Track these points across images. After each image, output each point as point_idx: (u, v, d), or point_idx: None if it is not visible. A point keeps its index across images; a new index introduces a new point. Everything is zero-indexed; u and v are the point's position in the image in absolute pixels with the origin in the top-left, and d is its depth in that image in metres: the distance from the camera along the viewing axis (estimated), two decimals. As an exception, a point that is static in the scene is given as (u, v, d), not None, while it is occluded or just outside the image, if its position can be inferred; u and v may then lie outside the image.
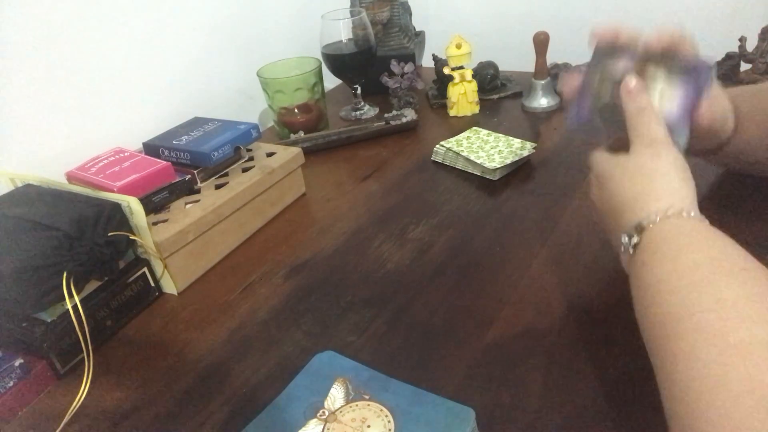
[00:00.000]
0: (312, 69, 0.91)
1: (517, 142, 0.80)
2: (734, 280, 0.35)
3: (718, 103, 0.52)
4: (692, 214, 0.41)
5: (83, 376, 0.52)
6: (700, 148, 0.56)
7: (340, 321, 0.56)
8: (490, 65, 1.01)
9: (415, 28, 1.16)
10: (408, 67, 0.99)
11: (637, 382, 0.44)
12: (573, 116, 0.54)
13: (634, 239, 0.42)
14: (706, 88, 0.49)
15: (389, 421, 0.42)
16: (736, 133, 0.55)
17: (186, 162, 0.72)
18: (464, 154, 0.79)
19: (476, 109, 0.96)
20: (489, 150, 0.79)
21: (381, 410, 0.43)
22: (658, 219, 0.41)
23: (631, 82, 0.48)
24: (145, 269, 0.61)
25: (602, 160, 0.49)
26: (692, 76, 0.48)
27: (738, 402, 0.29)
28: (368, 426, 0.42)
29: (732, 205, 0.63)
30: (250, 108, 1.03)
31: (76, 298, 0.53)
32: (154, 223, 0.63)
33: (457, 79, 0.94)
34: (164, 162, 0.68)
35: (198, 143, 0.72)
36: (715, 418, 0.30)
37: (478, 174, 0.77)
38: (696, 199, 0.43)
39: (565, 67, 0.98)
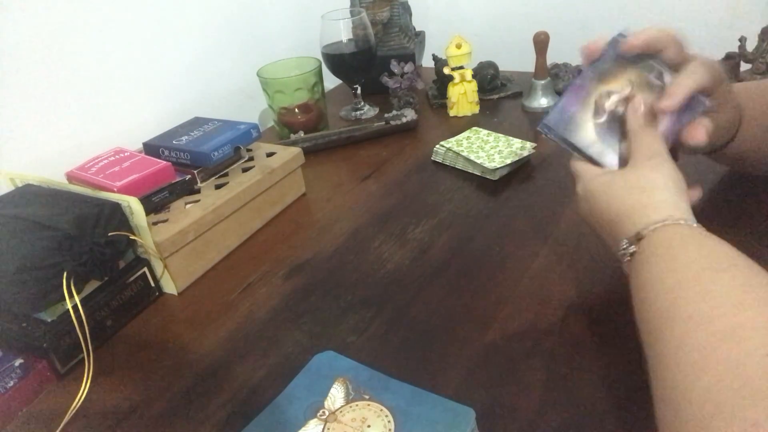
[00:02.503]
0: (312, 69, 0.91)
1: (517, 142, 0.80)
2: (725, 274, 0.37)
3: (719, 115, 0.52)
4: (690, 223, 0.43)
5: (83, 376, 0.52)
6: (698, 151, 0.56)
7: (340, 321, 0.56)
8: (490, 65, 1.01)
9: (415, 28, 1.16)
10: (408, 67, 0.99)
11: (637, 382, 0.44)
12: (554, 118, 0.53)
13: (632, 247, 0.43)
14: (694, 117, 0.50)
15: (389, 421, 0.42)
16: (739, 134, 0.55)
17: (186, 162, 0.72)
18: (464, 154, 0.79)
19: (476, 109, 0.96)
20: (489, 150, 0.79)
21: (381, 410, 0.43)
22: (656, 228, 0.43)
23: (640, 103, 0.50)
24: (145, 269, 0.61)
25: (594, 174, 0.51)
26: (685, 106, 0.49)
27: (720, 383, 0.31)
28: (368, 426, 0.42)
29: (731, 204, 0.63)
30: (250, 108, 1.03)
31: (76, 298, 0.53)
32: (154, 223, 0.63)
33: (457, 79, 0.94)
34: (164, 162, 0.68)
35: (198, 143, 0.72)
36: (699, 399, 0.31)
37: (478, 174, 0.77)
38: (691, 209, 0.45)
39: (565, 67, 0.98)
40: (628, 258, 0.44)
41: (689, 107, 0.49)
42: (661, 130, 0.49)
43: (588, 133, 0.53)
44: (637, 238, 0.43)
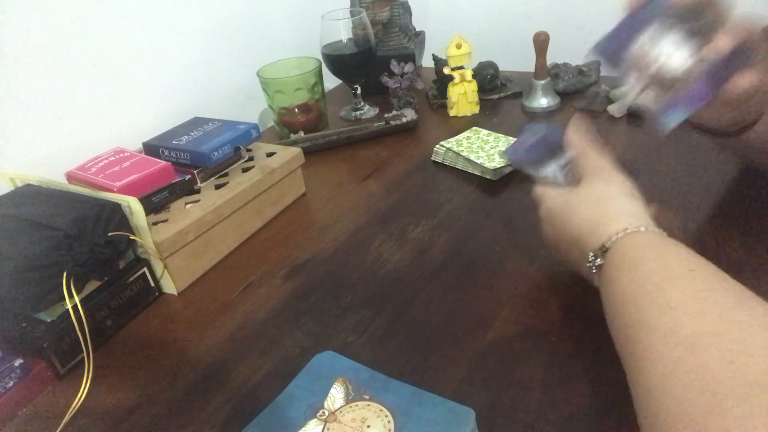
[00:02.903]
0: (312, 69, 0.91)
1: (517, 142, 0.80)
2: (682, 281, 0.38)
3: (757, 80, 0.49)
4: (649, 228, 0.44)
5: (83, 376, 0.52)
6: (723, 125, 0.55)
7: (340, 321, 0.56)
8: (490, 65, 1.01)
9: (415, 28, 1.16)
10: (408, 67, 0.99)
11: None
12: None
13: (598, 261, 0.45)
14: (743, 65, 0.48)
15: (389, 421, 0.42)
16: (762, 119, 0.54)
17: (186, 162, 0.72)
18: (464, 154, 0.79)
19: (476, 109, 0.96)
20: (489, 150, 0.79)
21: (381, 410, 0.43)
22: (618, 238, 0.44)
23: (571, 134, 0.54)
24: (145, 269, 0.61)
25: (553, 195, 0.53)
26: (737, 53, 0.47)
27: (689, 393, 0.31)
28: (368, 426, 0.42)
29: (731, 205, 0.63)
30: (250, 108, 1.03)
31: (76, 298, 0.53)
32: (154, 223, 0.63)
33: (457, 79, 0.94)
34: (164, 162, 0.68)
35: (198, 143, 0.72)
36: (673, 409, 0.32)
37: (478, 174, 0.77)
38: (648, 215, 0.46)
39: (565, 67, 0.98)
40: (595, 270, 0.45)
41: (733, 59, 0.47)
42: (706, 74, 0.48)
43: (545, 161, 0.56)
44: (602, 251, 0.44)
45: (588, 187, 0.50)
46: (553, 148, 0.56)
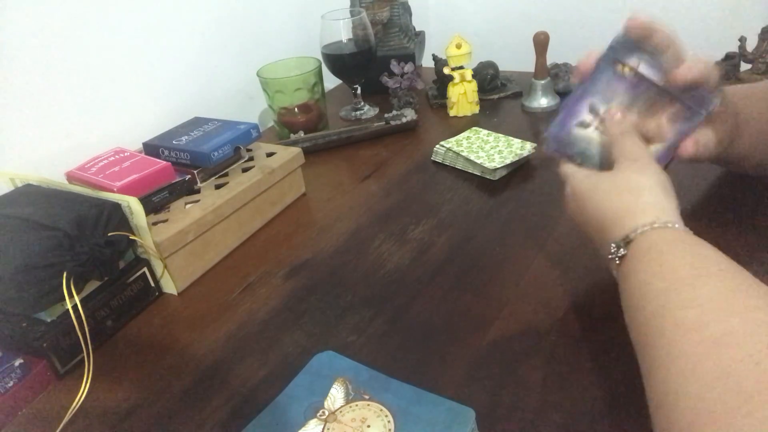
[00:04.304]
0: (312, 69, 0.91)
1: (517, 142, 0.80)
2: (711, 279, 0.37)
3: (712, 131, 0.51)
4: (677, 226, 0.43)
5: (83, 376, 0.52)
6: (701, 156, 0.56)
7: (340, 321, 0.56)
8: (490, 65, 1.01)
9: (415, 28, 1.16)
10: (408, 67, 0.99)
11: (637, 382, 0.44)
12: (556, 131, 0.54)
13: (622, 251, 0.43)
14: (700, 125, 0.50)
15: (389, 421, 0.42)
16: (736, 139, 0.55)
17: (186, 162, 0.72)
18: (464, 154, 0.79)
19: (476, 109, 0.96)
20: (489, 150, 0.79)
21: (381, 410, 0.43)
22: (645, 231, 0.43)
23: (618, 110, 0.51)
24: (145, 269, 0.61)
25: (582, 176, 0.51)
26: (693, 111, 0.49)
27: (712, 391, 0.31)
28: (368, 426, 0.42)
29: (732, 207, 0.63)
30: (250, 108, 1.03)
31: (76, 298, 0.53)
32: (154, 223, 0.63)
33: (457, 79, 0.94)
34: (164, 162, 0.68)
35: (198, 143, 0.72)
36: (691, 407, 0.31)
37: (478, 174, 0.77)
38: (679, 212, 0.45)
39: (565, 67, 0.98)
40: (618, 262, 0.44)
41: (690, 115, 0.49)
42: (662, 143, 0.50)
43: (579, 139, 0.54)
44: (626, 242, 0.43)
45: (620, 174, 0.48)
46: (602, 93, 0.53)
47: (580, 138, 0.53)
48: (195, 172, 0.71)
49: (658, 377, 0.35)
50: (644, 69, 0.50)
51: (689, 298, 0.36)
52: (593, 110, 0.52)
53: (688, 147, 0.50)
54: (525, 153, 0.77)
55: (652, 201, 0.45)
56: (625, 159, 0.49)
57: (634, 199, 0.45)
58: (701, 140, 0.50)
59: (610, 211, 0.46)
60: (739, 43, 0.86)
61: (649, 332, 0.37)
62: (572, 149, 0.53)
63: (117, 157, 0.70)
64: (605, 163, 0.52)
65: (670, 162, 0.52)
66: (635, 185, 0.46)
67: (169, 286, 0.63)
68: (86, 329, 0.53)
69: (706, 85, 0.48)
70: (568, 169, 0.53)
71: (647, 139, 0.51)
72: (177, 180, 0.69)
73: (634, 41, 0.50)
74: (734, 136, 0.54)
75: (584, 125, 0.53)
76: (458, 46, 0.92)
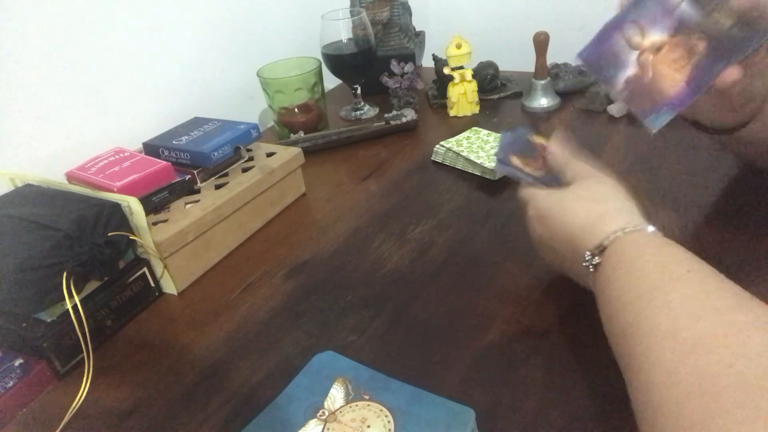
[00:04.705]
0: (312, 69, 0.91)
1: (517, 142, 0.80)
2: (680, 282, 0.38)
3: (746, 78, 0.49)
4: (647, 228, 0.43)
5: (83, 376, 0.52)
6: (715, 122, 0.55)
7: (340, 321, 0.56)
8: (490, 65, 1.01)
9: (415, 28, 1.16)
10: (408, 67, 0.99)
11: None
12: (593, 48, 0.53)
13: (596, 259, 0.44)
14: (734, 62, 0.48)
15: (389, 421, 0.42)
16: (759, 116, 0.53)
17: (186, 162, 0.72)
18: (464, 154, 0.79)
19: (476, 109, 0.96)
20: (489, 150, 0.79)
21: (381, 410, 0.43)
22: (616, 237, 0.43)
23: (561, 140, 0.54)
24: (145, 269, 0.61)
25: (543, 195, 0.51)
26: (737, 44, 0.47)
27: (690, 396, 0.31)
28: (368, 426, 0.42)
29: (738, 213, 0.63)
30: (250, 108, 1.03)
31: (76, 298, 0.53)
32: (154, 223, 0.63)
33: (457, 79, 0.93)
34: (164, 162, 0.68)
35: (198, 143, 0.72)
36: (672, 414, 0.31)
37: (478, 174, 0.77)
38: (644, 215, 0.45)
39: (565, 67, 0.98)
40: (592, 269, 0.44)
41: (729, 47, 0.47)
42: (692, 71, 0.48)
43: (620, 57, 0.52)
44: (600, 250, 0.44)
45: (582, 187, 0.49)
46: (522, 149, 0.56)
47: (620, 58, 0.52)
48: (195, 172, 0.71)
49: (639, 383, 0.35)
50: (687, 5, 0.49)
51: (660, 304, 0.37)
52: (638, 33, 0.51)
53: (723, 79, 0.47)
54: (525, 153, 0.77)
55: (619, 206, 0.46)
56: (579, 176, 0.50)
57: (602, 207, 0.46)
58: (731, 77, 0.48)
59: (580, 222, 0.47)
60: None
61: (626, 341, 0.38)
62: (607, 71, 0.52)
63: (117, 157, 0.70)
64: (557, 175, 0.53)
65: (700, 94, 0.49)
66: (600, 194, 0.47)
67: (169, 286, 0.63)
68: (86, 329, 0.53)
69: (752, 23, 0.46)
70: (528, 192, 0.53)
71: (677, 79, 0.50)
72: (177, 180, 0.68)
73: None
74: (759, 109, 0.53)
75: (629, 45, 0.51)
76: (458, 46, 0.92)
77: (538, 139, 0.57)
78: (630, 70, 0.51)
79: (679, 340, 0.34)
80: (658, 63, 0.50)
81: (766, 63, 0.50)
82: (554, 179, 0.54)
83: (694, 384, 0.31)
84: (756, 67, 0.49)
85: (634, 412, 0.36)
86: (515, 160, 0.57)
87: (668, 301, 0.36)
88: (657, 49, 0.50)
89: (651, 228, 0.44)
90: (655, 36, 0.50)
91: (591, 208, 0.47)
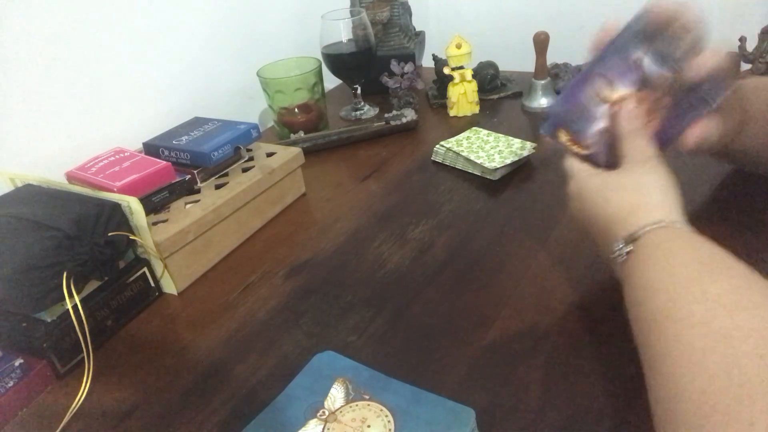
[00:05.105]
0: (312, 69, 0.91)
1: (517, 142, 0.80)
2: (720, 276, 0.37)
3: (718, 123, 0.51)
4: (683, 225, 0.43)
5: (83, 376, 0.52)
6: (697, 153, 0.56)
7: (340, 321, 0.56)
8: (490, 65, 1.01)
9: (415, 28, 1.16)
10: (408, 67, 0.99)
11: (637, 382, 0.44)
12: (560, 105, 0.53)
13: (628, 248, 0.43)
14: (702, 116, 0.50)
15: (389, 421, 0.42)
16: (742, 133, 0.54)
17: (186, 162, 0.72)
18: (464, 154, 0.79)
19: (476, 109, 0.96)
20: (489, 150, 0.79)
21: (381, 410, 0.43)
22: (652, 229, 0.43)
23: (630, 105, 0.50)
24: (145, 269, 0.61)
25: (588, 174, 0.51)
26: (699, 103, 0.49)
27: (716, 383, 0.31)
28: (368, 426, 0.42)
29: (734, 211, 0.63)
30: (250, 108, 1.03)
31: (76, 298, 0.53)
32: (154, 223, 0.63)
33: (457, 79, 0.93)
34: (164, 162, 0.68)
35: (198, 143, 0.72)
36: (695, 400, 0.31)
37: (478, 174, 0.77)
38: (683, 212, 0.45)
39: (565, 67, 0.98)
40: (623, 259, 0.44)
41: (695, 103, 0.49)
42: (659, 126, 0.49)
43: (588, 112, 0.52)
44: (632, 240, 0.43)
45: (627, 173, 0.48)
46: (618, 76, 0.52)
47: (589, 111, 0.52)
48: (195, 172, 0.71)
49: (662, 370, 0.35)
50: (648, 63, 0.49)
51: (697, 292, 0.36)
52: (606, 86, 0.51)
53: (691, 137, 0.50)
54: (525, 153, 0.77)
55: (660, 200, 0.45)
56: (634, 157, 0.48)
57: (641, 198, 0.45)
58: (704, 132, 0.50)
59: (616, 210, 0.46)
60: (739, 43, 0.87)
61: (655, 327, 0.37)
62: (576, 124, 0.52)
63: (117, 157, 0.70)
64: (609, 151, 0.51)
65: (669, 148, 0.51)
66: (642, 184, 0.46)
67: (169, 286, 0.63)
68: (86, 329, 0.53)
69: (718, 78, 0.48)
70: (574, 166, 0.52)
71: (649, 126, 0.51)
72: (177, 180, 0.69)
73: (649, 30, 0.49)
74: (739, 129, 0.54)
75: (597, 98, 0.52)
76: (458, 46, 0.92)
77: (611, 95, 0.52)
78: (600, 123, 0.52)
79: (713, 328, 0.33)
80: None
81: (732, 99, 0.51)
82: (602, 156, 0.52)
83: (721, 372, 0.31)
84: (729, 99, 0.50)
85: (650, 398, 0.35)
86: (562, 136, 0.54)
87: (705, 291, 0.36)
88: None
89: (688, 227, 0.43)
90: (623, 90, 0.51)
91: (630, 199, 0.46)
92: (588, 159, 0.52)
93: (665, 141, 0.51)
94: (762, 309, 0.34)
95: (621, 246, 0.44)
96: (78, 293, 0.53)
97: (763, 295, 0.35)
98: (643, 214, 0.44)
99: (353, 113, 1.02)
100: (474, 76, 0.95)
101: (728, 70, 0.48)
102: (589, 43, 0.53)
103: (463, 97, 0.95)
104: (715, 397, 0.30)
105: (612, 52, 0.51)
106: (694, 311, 0.35)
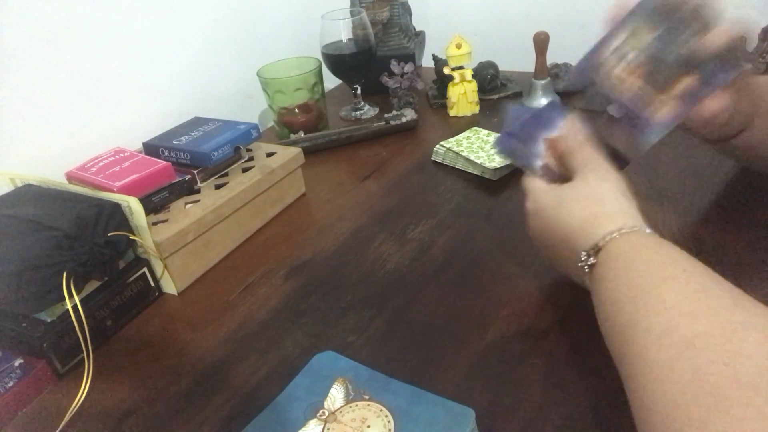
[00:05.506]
0: (312, 69, 0.91)
1: (517, 142, 0.80)
2: (676, 282, 0.38)
3: (732, 98, 0.51)
4: (643, 229, 0.43)
5: (83, 376, 0.52)
6: (706, 135, 0.56)
7: (340, 321, 0.56)
8: (490, 65, 1.01)
9: (415, 28, 1.16)
10: (408, 67, 0.99)
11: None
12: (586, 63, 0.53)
13: (591, 260, 0.44)
14: (719, 87, 0.49)
15: (389, 421, 0.42)
16: (750, 127, 0.54)
17: (186, 162, 0.72)
18: (464, 154, 0.79)
19: (476, 109, 0.96)
20: (489, 150, 0.79)
21: (381, 410, 0.43)
22: (612, 238, 0.43)
23: (566, 128, 0.53)
24: (145, 269, 0.61)
25: (544, 189, 0.51)
26: (716, 74, 0.48)
27: (686, 394, 0.31)
28: (368, 426, 0.42)
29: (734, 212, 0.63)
30: (250, 108, 1.03)
31: (76, 298, 0.53)
32: (154, 223, 0.63)
33: (457, 79, 0.94)
34: (164, 162, 0.68)
35: (198, 143, 0.72)
36: (668, 413, 0.32)
37: (478, 174, 0.77)
38: (641, 215, 0.45)
39: (565, 67, 0.98)
40: (587, 270, 0.44)
41: (722, 68, 0.48)
42: (689, 92, 0.49)
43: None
44: (595, 250, 0.44)
45: (581, 183, 0.49)
46: (544, 125, 0.55)
47: (530, 151, 0.54)
48: (195, 172, 0.71)
49: (634, 385, 0.35)
50: (656, 46, 0.49)
51: (656, 304, 0.37)
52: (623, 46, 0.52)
53: (705, 109, 0.49)
54: (525, 153, 0.76)
55: (617, 207, 0.46)
56: (584, 167, 0.49)
57: (599, 207, 0.46)
58: (718, 106, 0.50)
59: (577, 221, 0.47)
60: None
61: (623, 341, 0.38)
62: (521, 160, 0.55)
63: (117, 157, 0.70)
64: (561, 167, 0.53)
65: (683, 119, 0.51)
66: (598, 193, 0.47)
67: (169, 286, 0.63)
68: (86, 329, 0.53)
69: (728, 57, 0.48)
70: (529, 183, 0.53)
71: (664, 100, 0.50)
72: (177, 180, 0.69)
73: (658, 10, 0.49)
74: (748, 123, 0.53)
75: (619, 52, 0.52)
76: (458, 46, 0.92)
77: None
78: (541, 160, 0.54)
79: (674, 339, 0.34)
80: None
81: (748, 83, 0.51)
82: (555, 171, 0.53)
83: (689, 383, 0.31)
84: (741, 90, 0.50)
85: (632, 412, 0.36)
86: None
87: (664, 300, 0.36)
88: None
89: (648, 229, 0.44)
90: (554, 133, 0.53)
91: (588, 209, 0.46)
92: (544, 173, 0.54)
93: (677, 115, 0.50)
94: (722, 313, 0.34)
95: (585, 257, 0.44)
96: (78, 293, 0.53)
97: (719, 297, 0.36)
98: (603, 223, 0.44)
99: (353, 113, 1.02)
100: (474, 76, 0.95)
101: (737, 50, 0.47)
102: (606, 15, 0.53)
103: (463, 97, 0.95)
104: (687, 409, 0.31)
105: (624, 26, 0.51)
106: (656, 322, 0.36)
